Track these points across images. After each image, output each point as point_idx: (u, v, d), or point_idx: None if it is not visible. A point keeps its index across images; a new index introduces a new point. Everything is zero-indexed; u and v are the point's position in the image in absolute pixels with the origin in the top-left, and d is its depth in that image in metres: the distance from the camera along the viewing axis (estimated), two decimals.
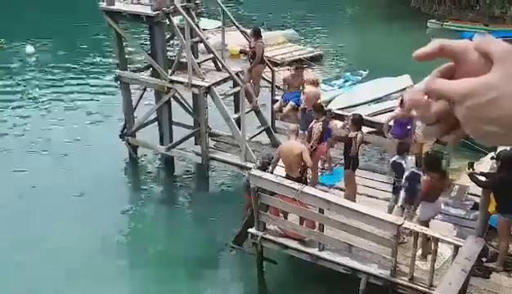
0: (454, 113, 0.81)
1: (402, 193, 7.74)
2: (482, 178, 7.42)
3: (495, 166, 7.61)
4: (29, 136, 13.51)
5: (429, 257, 7.12)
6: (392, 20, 21.58)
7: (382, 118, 10.61)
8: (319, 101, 9.98)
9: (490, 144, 0.91)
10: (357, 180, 9.00)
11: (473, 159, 10.84)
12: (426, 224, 7.62)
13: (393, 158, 8.11)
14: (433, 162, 7.64)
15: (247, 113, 10.70)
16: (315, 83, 10.73)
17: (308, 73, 14.49)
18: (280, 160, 8.46)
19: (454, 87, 0.80)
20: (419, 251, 7.50)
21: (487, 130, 0.80)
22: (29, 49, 19.01)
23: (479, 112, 0.79)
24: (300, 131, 9.54)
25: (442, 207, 8.41)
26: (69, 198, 10.89)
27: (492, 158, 8.16)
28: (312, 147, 8.91)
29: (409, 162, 8.02)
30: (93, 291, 8.78)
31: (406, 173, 7.73)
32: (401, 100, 9.29)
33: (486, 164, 8.95)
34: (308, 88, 10.47)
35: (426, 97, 0.84)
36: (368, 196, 9.16)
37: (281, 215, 8.35)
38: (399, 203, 7.86)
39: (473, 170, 7.52)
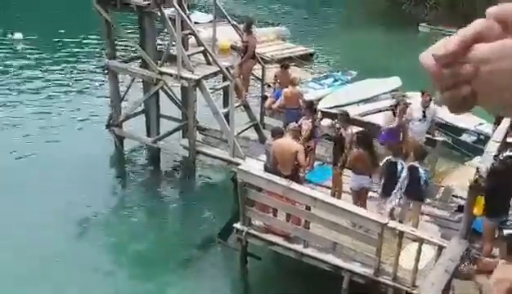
0: (481, 77, 0.74)
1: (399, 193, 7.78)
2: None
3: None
4: (14, 122, 13.30)
5: (413, 257, 7.13)
6: (385, 22, 21.66)
7: (371, 118, 10.60)
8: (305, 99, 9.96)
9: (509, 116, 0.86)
10: (345, 179, 8.97)
11: (459, 162, 10.94)
12: (357, 195, 8.16)
13: (387, 158, 8.05)
14: (366, 139, 8.15)
15: (236, 108, 10.63)
16: (293, 83, 10.62)
17: (296, 72, 14.46)
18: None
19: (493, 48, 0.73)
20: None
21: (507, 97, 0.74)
22: (17, 35, 18.75)
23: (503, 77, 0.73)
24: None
25: (423, 208, 8.43)
26: (49, 187, 10.66)
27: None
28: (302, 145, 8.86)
29: (403, 163, 8.00)
30: (69, 282, 8.60)
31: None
32: (395, 108, 9.24)
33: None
34: (286, 89, 10.43)
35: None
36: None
37: (271, 211, 8.29)
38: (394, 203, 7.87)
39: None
